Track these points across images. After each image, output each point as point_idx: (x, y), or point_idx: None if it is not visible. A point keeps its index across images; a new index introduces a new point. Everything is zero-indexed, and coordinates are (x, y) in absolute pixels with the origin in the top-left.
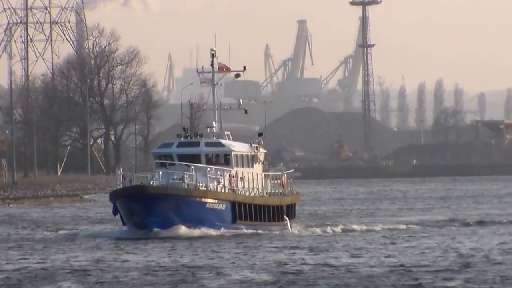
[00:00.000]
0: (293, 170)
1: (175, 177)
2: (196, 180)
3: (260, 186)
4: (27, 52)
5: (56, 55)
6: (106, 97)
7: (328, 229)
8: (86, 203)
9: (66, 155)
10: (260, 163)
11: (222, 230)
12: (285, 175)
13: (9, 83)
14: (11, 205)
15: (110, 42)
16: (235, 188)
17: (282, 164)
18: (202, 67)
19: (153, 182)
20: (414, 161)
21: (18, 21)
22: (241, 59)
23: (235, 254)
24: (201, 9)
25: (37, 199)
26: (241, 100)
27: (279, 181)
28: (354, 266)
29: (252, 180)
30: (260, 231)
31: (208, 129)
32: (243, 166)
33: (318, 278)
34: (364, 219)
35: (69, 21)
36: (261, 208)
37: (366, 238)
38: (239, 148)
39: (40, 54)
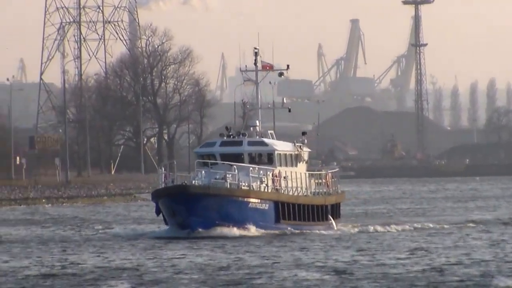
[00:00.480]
0: (337, 169)
1: (217, 176)
2: (238, 179)
3: (304, 186)
4: (80, 51)
5: (109, 54)
6: (159, 96)
7: (373, 228)
8: (139, 202)
9: (119, 154)
10: (304, 162)
11: (266, 230)
12: (330, 174)
13: (62, 83)
14: (64, 204)
15: (163, 41)
16: (278, 187)
17: (335, 163)
18: (246, 66)
19: (195, 182)
20: (467, 160)
21: (71, 20)
22: (294, 58)
23: (290, 255)
24: (257, 9)
25: (91, 198)
26: (284, 99)
27: (323, 180)
28: (401, 265)
29: (296, 180)
30: (304, 231)
31: (252, 128)
32: (286, 165)
33: (367, 278)
34: (414, 218)
35: (122, 20)
36: (305, 207)
37: (408, 237)
38: (282, 147)
39: (93, 53)
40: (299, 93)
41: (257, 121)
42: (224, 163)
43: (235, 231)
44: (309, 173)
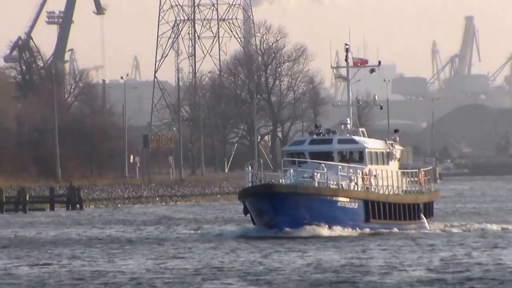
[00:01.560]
0: (431, 167)
1: (305, 175)
2: (327, 178)
3: (395, 184)
4: (194, 49)
5: (224, 52)
6: (274, 94)
7: (471, 227)
8: None
9: (233, 153)
10: (396, 160)
11: (355, 229)
12: (422, 172)
13: (176, 81)
14: (178, 202)
15: (278, 38)
16: (368, 186)
17: (449, 161)
18: (336, 62)
19: (282, 180)
20: None
21: (186, 18)
22: (408, 55)
23: (385, 254)
24: (374, 6)
25: (204, 196)
26: (376, 96)
27: (415, 178)
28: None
29: (387, 178)
30: (395, 230)
31: (342, 126)
32: (377, 164)
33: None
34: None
35: (236, 18)
36: (396, 206)
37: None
38: (373, 145)
39: (207, 51)
40: (413, 90)
41: (348, 119)
42: (313, 162)
43: (324, 230)
44: (401, 171)
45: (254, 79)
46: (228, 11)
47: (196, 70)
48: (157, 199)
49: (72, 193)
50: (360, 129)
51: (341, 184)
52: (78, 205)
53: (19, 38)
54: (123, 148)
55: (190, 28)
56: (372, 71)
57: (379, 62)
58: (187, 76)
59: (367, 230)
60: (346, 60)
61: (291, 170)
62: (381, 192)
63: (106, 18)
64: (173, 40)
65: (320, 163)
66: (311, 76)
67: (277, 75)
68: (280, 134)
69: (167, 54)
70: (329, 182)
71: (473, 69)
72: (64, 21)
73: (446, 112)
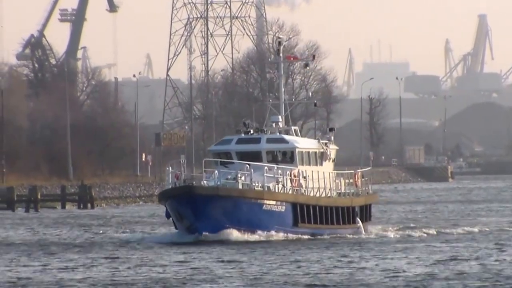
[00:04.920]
0: (369, 168)
1: (229, 176)
2: (251, 179)
3: (328, 186)
4: (207, 47)
5: (236, 50)
6: (286, 92)
7: (408, 232)
8: None
9: None
10: (331, 160)
11: (282, 234)
12: (359, 173)
13: (189, 79)
14: None
15: (290, 36)
16: (297, 188)
17: (461, 160)
18: (271, 57)
19: (204, 182)
20: None
21: (198, 16)
22: (421, 53)
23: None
24: (387, 4)
25: None
26: (310, 93)
27: (351, 180)
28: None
29: (319, 179)
30: (326, 235)
31: (273, 124)
32: (309, 164)
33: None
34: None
35: (249, 16)
36: (328, 210)
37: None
38: (305, 144)
39: (220, 49)
40: (426, 88)
41: (279, 117)
42: (240, 162)
43: (247, 235)
44: (336, 173)
45: (267, 77)
46: (241, 9)
47: (209, 68)
48: None
49: (83, 191)
50: (293, 128)
51: (268, 186)
52: (89, 204)
53: (32, 35)
54: (135, 147)
55: (203, 26)
56: (306, 65)
57: (313, 56)
58: (200, 74)
59: (295, 235)
60: (279, 54)
61: (216, 171)
62: (312, 194)
63: (119, 16)
64: (185, 38)
65: (245, 164)
66: (323, 74)
67: (290, 73)
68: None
69: (180, 52)
70: (254, 184)
71: (485, 68)
72: (76, 19)
73: (459, 110)
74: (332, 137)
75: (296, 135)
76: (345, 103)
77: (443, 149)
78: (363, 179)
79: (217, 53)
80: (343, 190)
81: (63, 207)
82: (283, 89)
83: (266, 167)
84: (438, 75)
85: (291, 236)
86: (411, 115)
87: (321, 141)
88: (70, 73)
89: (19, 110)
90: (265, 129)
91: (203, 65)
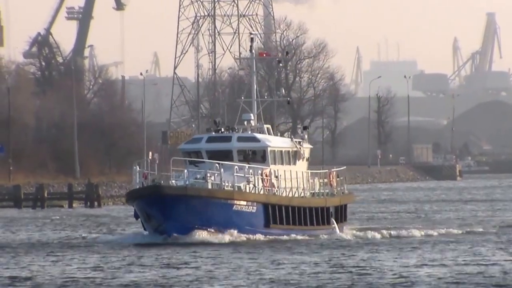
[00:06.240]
0: (344, 167)
1: (198, 176)
2: (221, 179)
3: (302, 186)
4: (214, 45)
5: (244, 48)
6: (294, 91)
7: (384, 233)
8: None
9: None
10: (305, 160)
11: (253, 236)
12: (334, 173)
13: (196, 77)
14: None
15: (298, 35)
16: (269, 188)
17: (469, 158)
18: (240, 53)
19: (173, 182)
20: None
21: (206, 14)
22: (429, 52)
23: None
24: (395, 2)
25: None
26: (283, 90)
27: (325, 180)
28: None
29: (292, 179)
30: (299, 236)
31: (245, 123)
32: (282, 163)
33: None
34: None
35: (256, 14)
36: (301, 210)
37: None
38: (277, 143)
39: (227, 47)
40: (434, 87)
41: (251, 115)
42: (210, 162)
43: (216, 236)
44: (310, 172)
45: (274, 76)
46: (249, 7)
47: (216, 67)
48: None
49: (90, 190)
50: (266, 126)
51: (238, 186)
52: (96, 202)
53: (39, 34)
54: (142, 145)
55: (210, 24)
56: (279, 62)
57: (287, 53)
58: (207, 72)
59: (266, 236)
60: (251, 51)
61: (185, 171)
62: (284, 194)
63: (126, 14)
64: (193, 36)
65: (215, 163)
66: (331, 73)
67: (297, 71)
68: (299, 131)
69: (187, 50)
70: (224, 183)
71: (494, 66)
72: (83, 17)
73: (467, 109)
74: (306, 136)
75: (269, 133)
76: (353, 101)
77: (451, 148)
78: (338, 179)
79: (224, 52)
80: (317, 190)
81: (70, 205)
82: (255, 86)
83: (236, 167)
84: (446, 73)
85: (262, 237)
86: (419, 114)
87: (295, 140)
88: (77, 71)
89: (26, 108)
90: (236, 128)
91: (210, 63)
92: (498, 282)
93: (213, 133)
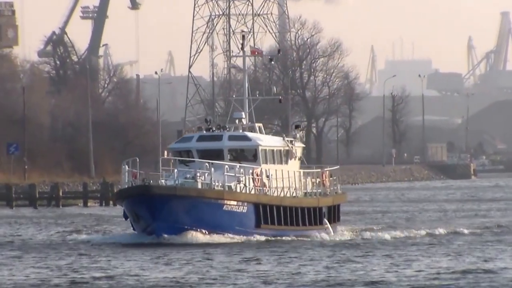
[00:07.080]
0: (338, 166)
1: (188, 175)
2: (211, 179)
3: (293, 185)
4: (229, 44)
5: (258, 47)
6: (308, 90)
7: (377, 234)
8: None
9: None
10: (297, 159)
11: (243, 236)
12: (327, 172)
13: (211, 76)
14: None
15: (313, 34)
16: (260, 187)
17: (484, 157)
18: (232, 51)
19: (162, 181)
20: None
21: (221, 13)
22: (444, 51)
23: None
24: (409, 1)
25: None
26: (275, 89)
27: (318, 179)
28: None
29: (283, 179)
30: (291, 237)
31: (237, 121)
32: (274, 163)
33: None
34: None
35: (271, 13)
36: (293, 210)
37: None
38: (268, 142)
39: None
40: (449, 86)
41: (243, 113)
42: (200, 161)
43: (206, 237)
44: (303, 172)
45: (289, 74)
46: (263, 6)
47: (231, 66)
48: None
49: (105, 189)
50: (257, 125)
51: (229, 186)
52: (111, 201)
53: (54, 33)
54: (157, 144)
55: (225, 23)
56: (271, 60)
57: (279, 50)
58: (222, 71)
59: (257, 237)
60: (243, 48)
61: (175, 170)
62: (275, 194)
63: (141, 13)
64: (207, 35)
65: (205, 163)
66: (346, 72)
67: (312, 70)
68: (314, 130)
69: (202, 49)
70: (215, 183)
71: (508, 65)
72: (98, 16)
73: (482, 108)
74: (298, 135)
75: (261, 132)
76: (368, 100)
77: (466, 147)
78: (331, 178)
79: (239, 51)
80: (309, 190)
81: (85, 204)
82: (247, 85)
83: (227, 166)
84: (461, 72)
85: (252, 238)
86: (434, 113)
87: (287, 139)
88: (91, 70)
89: (40, 108)
90: (227, 126)
91: (225, 63)
92: None
93: (204, 132)
